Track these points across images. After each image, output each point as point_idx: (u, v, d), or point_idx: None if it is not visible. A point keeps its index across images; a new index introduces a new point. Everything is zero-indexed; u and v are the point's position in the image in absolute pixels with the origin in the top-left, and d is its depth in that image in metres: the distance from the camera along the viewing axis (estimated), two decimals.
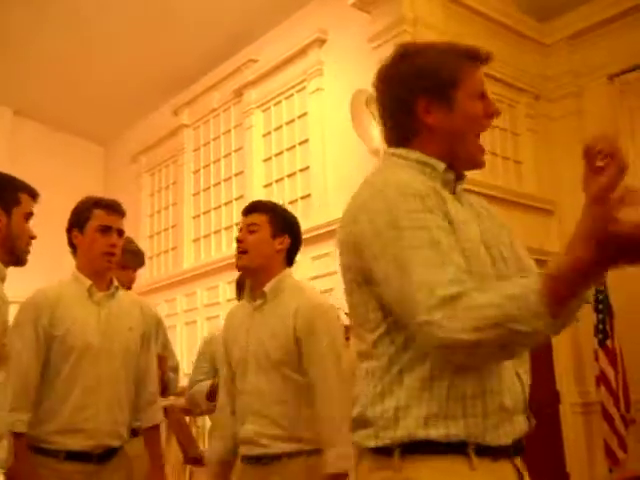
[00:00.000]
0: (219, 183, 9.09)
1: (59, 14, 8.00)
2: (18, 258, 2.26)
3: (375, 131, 6.63)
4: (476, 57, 1.76)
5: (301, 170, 7.72)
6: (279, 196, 7.78)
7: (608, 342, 6.18)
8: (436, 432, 1.43)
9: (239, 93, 8.72)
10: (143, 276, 10.12)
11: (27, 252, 2.34)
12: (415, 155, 1.70)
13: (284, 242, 2.82)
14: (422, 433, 1.43)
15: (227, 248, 8.33)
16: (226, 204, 8.91)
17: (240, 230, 2.86)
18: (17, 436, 2.41)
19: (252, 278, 2.85)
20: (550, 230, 6.98)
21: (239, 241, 2.81)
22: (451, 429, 1.44)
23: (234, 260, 2.91)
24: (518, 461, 1.61)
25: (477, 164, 1.87)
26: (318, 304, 2.78)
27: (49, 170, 9.50)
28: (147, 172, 10.60)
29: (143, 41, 8.60)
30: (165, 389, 3.66)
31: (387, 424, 1.46)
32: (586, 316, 6.46)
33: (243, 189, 8.52)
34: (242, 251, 2.79)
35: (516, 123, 7.11)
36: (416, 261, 1.41)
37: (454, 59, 1.73)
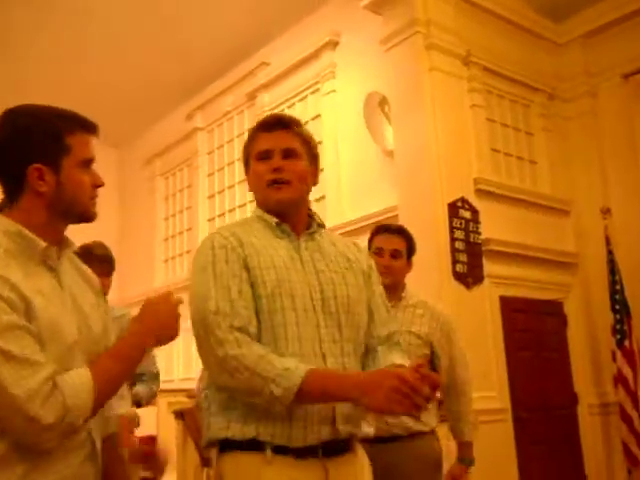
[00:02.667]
0: (233, 186, 9.11)
1: (72, 17, 8.04)
2: (82, 215, 1.74)
3: (388, 132, 6.63)
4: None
5: None
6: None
7: (626, 342, 6.13)
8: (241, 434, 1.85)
9: (252, 96, 8.73)
10: (158, 279, 10.17)
11: (93, 205, 1.77)
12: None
13: (411, 264, 3.32)
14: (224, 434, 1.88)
15: None
16: (241, 207, 8.92)
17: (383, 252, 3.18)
18: None
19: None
20: (565, 230, 6.94)
21: (386, 268, 3.06)
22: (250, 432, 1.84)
23: None
24: (328, 460, 1.85)
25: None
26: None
27: None
28: (161, 175, 10.64)
29: (157, 45, 8.62)
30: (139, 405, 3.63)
31: None
32: (603, 316, 6.42)
33: None
34: (386, 272, 2.99)
35: (530, 123, 7.07)
36: None
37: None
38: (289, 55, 8.09)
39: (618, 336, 6.18)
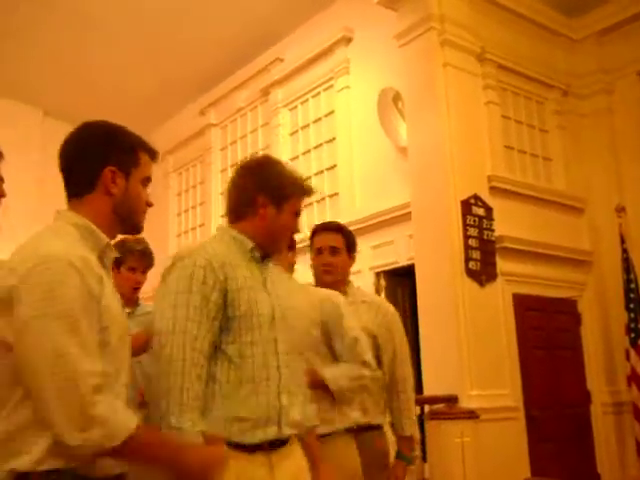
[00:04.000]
0: None
1: (89, 17, 8.06)
2: (135, 226, 1.89)
3: (402, 129, 6.62)
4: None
5: (328, 169, 7.72)
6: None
7: None
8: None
9: (266, 92, 8.74)
10: None
11: (143, 220, 1.96)
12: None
13: (353, 257, 3.32)
14: None
15: None
16: None
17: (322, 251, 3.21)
18: None
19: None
20: (580, 228, 6.90)
21: (326, 265, 3.17)
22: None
23: None
24: (274, 454, 2.05)
25: None
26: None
27: None
28: (174, 171, 10.67)
29: (170, 42, 8.63)
30: None
31: None
32: (617, 315, 6.39)
33: None
34: (328, 271, 3.16)
35: (545, 120, 7.03)
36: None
37: None
38: (303, 51, 8.08)
39: (632, 335, 6.14)
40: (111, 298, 1.72)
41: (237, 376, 2.01)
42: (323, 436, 2.56)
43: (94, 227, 1.76)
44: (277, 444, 2.05)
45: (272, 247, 2.22)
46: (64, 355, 1.53)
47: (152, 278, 3.46)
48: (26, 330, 1.55)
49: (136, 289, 3.48)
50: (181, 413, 1.89)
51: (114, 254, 1.86)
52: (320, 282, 3.15)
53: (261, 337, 2.06)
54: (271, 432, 2.03)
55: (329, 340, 2.83)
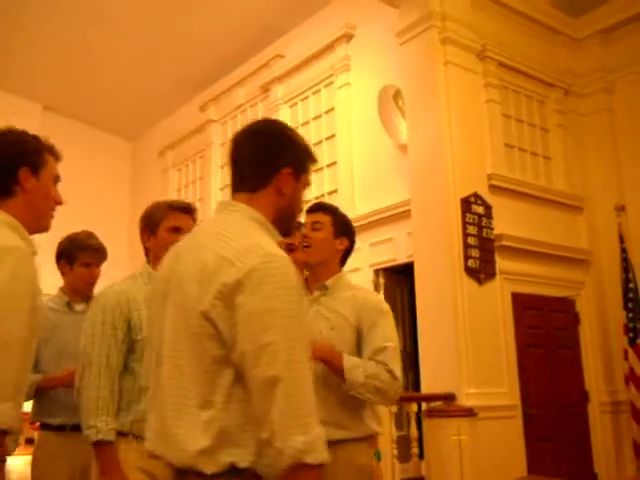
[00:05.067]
0: None
1: (89, 12, 8.06)
2: (288, 229, 1.95)
3: (402, 126, 6.61)
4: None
5: (328, 165, 7.71)
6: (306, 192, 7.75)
7: (638, 341, 6.09)
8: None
9: (266, 88, 8.73)
10: None
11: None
12: None
13: (343, 243, 2.97)
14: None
15: None
16: None
17: (305, 227, 2.96)
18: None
19: (311, 272, 2.98)
20: (579, 227, 6.90)
21: (305, 237, 2.92)
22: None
23: None
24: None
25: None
26: (378, 301, 2.99)
27: (78, 166, 9.58)
28: (174, 167, 10.66)
29: (171, 38, 8.63)
30: None
31: None
32: (616, 314, 6.39)
33: None
34: (306, 245, 2.91)
35: (545, 119, 7.03)
36: None
37: None
38: (304, 48, 8.08)
39: (630, 334, 6.14)
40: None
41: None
42: (337, 442, 2.50)
43: (269, 224, 1.82)
44: None
45: (287, 229, 1.97)
46: (298, 362, 1.57)
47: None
48: (255, 324, 1.57)
49: (91, 284, 3.46)
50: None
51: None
52: (300, 265, 2.89)
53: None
54: None
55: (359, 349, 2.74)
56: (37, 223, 2.13)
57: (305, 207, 2.94)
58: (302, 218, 2.80)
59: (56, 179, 2.20)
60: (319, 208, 3.03)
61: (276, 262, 1.62)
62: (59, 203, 2.20)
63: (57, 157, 2.24)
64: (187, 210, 2.94)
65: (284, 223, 1.89)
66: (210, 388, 1.59)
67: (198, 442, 1.57)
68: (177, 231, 2.82)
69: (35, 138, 2.19)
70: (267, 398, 1.54)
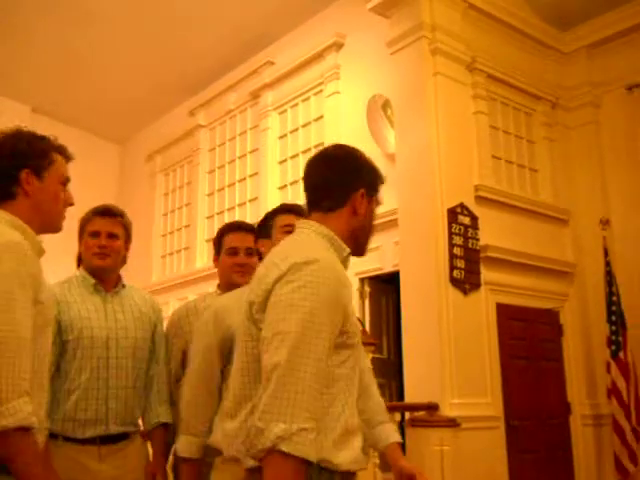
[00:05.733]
0: (234, 184, 9.10)
1: (80, 15, 8.04)
2: (361, 248, 1.99)
3: (390, 136, 6.63)
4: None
5: None
6: (294, 198, 7.78)
7: (620, 354, 6.13)
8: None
9: (256, 95, 8.74)
10: (155, 275, 10.16)
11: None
12: None
13: None
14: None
15: None
16: (240, 205, 8.92)
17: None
18: None
19: None
20: (564, 240, 6.93)
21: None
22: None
23: None
24: (104, 448, 2.70)
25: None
26: None
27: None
28: (162, 172, 10.64)
29: (161, 42, 8.62)
30: None
31: None
32: (599, 327, 6.42)
33: (257, 191, 8.53)
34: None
35: (532, 131, 7.07)
36: None
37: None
38: (294, 55, 8.09)
39: (613, 347, 6.17)
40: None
41: None
42: None
43: (337, 238, 1.90)
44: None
45: (361, 246, 2.01)
46: (303, 357, 1.65)
47: None
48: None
49: None
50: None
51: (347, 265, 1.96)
52: (230, 283, 2.92)
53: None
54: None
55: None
56: (46, 224, 2.14)
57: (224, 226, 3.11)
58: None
59: (65, 180, 2.22)
60: (250, 230, 2.96)
61: (315, 265, 1.71)
62: (69, 204, 2.22)
63: (68, 158, 2.27)
64: (105, 213, 2.92)
65: (358, 241, 1.96)
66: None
67: None
68: (98, 235, 2.86)
69: (41, 139, 2.20)
70: (266, 381, 1.63)
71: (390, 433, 2.36)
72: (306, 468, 1.59)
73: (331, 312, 1.68)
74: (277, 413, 1.58)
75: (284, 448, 1.54)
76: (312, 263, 1.71)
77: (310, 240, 1.86)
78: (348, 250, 1.91)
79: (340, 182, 1.94)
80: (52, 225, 2.15)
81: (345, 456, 1.71)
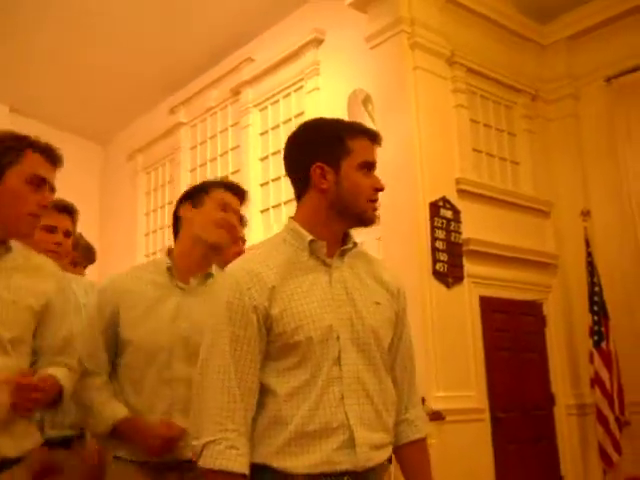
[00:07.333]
0: None
1: (58, 12, 7.97)
2: (360, 217, 1.80)
3: None
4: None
5: None
6: (275, 195, 7.78)
7: (603, 344, 6.17)
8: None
9: (236, 92, 8.70)
10: None
11: (371, 208, 1.85)
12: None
13: None
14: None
15: None
16: None
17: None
18: None
19: None
20: (546, 232, 6.97)
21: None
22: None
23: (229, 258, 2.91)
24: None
25: None
26: None
27: None
28: (143, 170, 10.58)
29: (140, 40, 8.57)
30: None
31: None
32: (582, 318, 6.46)
33: None
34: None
35: (513, 124, 7.10)
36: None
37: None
38: (274, 51, 8.06)
39: (595, 337, 6.21)
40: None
41: None
42: None
43: (298, 228, 1.78)
44: None
45: (360, 215, 1.85)
46: (209, 366, 1.76)
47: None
48: None
49: None
50: None
51: (352, 249, 1.84)
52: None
53: None
54: None
55: None
56: (10, 228, 1.95)
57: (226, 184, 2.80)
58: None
59: (34, 179, 1.99)
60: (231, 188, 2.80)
61: (222, 276, 1.86)
62: (42, 206, 1.99)
63: (47, 157, 2.06)
64: (61, 209, 2.86)
65: (351, 212, 1.80)
66: None
67: None
68: (52, 231, 2.76)
69: (9, 138, 2.01)
70: None
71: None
72: (242, 476, 1.59)
73: (232, 318, 1.66)
74: (194, 431, 1.64)
75: (200, 464, 1.59)
76: (225, 275, 1.78)
77: (263, 244, 1.86)
78: (309, 237, 1.76)
79: (295, 167, 1.86)
80: (17, 230, 1.96)
81: (302, 460, 1.63)
